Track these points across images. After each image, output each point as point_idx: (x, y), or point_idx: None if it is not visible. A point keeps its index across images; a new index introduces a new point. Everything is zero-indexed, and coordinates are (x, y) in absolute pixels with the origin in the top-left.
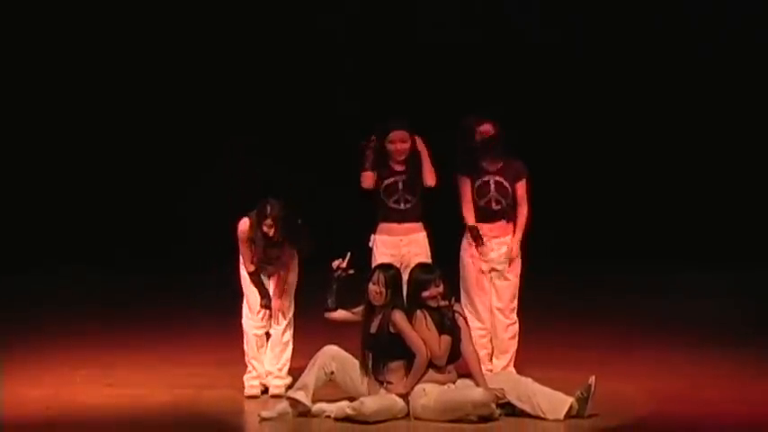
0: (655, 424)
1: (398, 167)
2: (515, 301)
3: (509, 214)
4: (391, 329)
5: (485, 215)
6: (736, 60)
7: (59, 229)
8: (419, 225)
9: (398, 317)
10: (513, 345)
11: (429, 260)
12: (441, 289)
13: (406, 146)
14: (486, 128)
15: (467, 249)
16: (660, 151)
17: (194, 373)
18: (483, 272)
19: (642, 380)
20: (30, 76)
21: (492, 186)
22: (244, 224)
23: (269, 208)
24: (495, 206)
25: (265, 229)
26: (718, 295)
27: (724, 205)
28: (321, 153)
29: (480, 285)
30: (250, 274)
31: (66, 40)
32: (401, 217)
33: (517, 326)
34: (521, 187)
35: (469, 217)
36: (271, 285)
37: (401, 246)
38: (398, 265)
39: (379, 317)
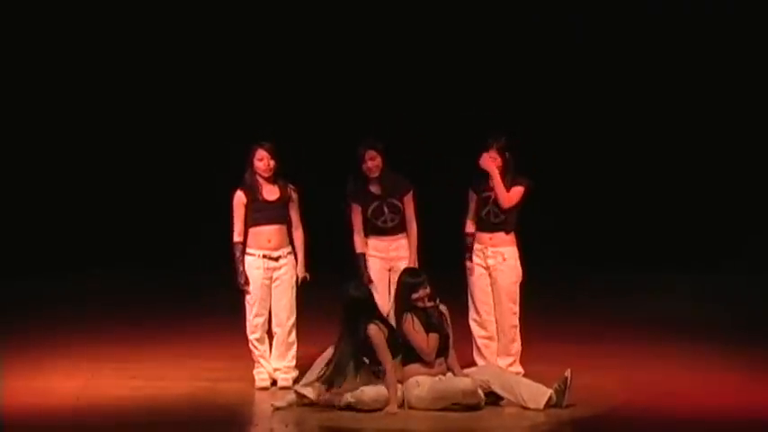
0: (628, 413)
1: (375, 189)
2: (515, 306)
3: (508, 226)
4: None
5: (484, 226)
6: (731, 65)
7: (83, 235)
8: (404, 234)
9: (373, 332)
10: (515, 347)
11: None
12: (428, 290)
13: (376, 162)
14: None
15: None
16: (641, 157)
17: (210, 368)
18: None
19: (617, 372)
20: (38, 80)
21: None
22: (238, 192)
23: (260, 142)
24: (494, 219)
25: (256, 162)
26: (687, 295)
27: (690, 213)
28: (319, 152)
29: (483, 291)
30: (235, 244)
31: (79, 48)
32: (389, 232)
33: (517, 330)
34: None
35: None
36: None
37: (389, 250)
38: (387, 269)
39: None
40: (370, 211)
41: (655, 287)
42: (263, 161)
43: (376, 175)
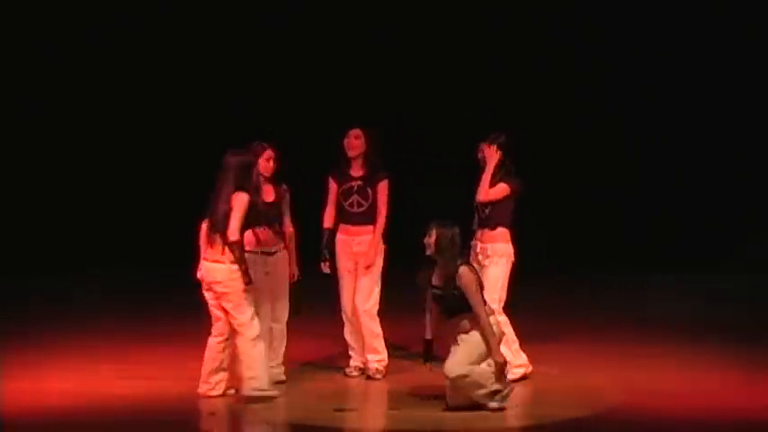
0: (627, 413)
1: (355, 171)
2: (495, 303)
3: (493, 222)
4: None
5: (477, 220)
6: (731, 65)
7: (75, 234)
8: (373, 228)
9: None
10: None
11: (379, 259)
12: (430, 239)
13: (359, 142)
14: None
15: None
16: (640, 158)
17: None
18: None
19: (616, 373)
20: (38, 81)
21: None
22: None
23: (264, 144)
24: (481, 214)
25: (263, 163)
26: (683, 296)
27: (690, 213)
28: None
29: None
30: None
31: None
32: (356, 219)
33: (500, 318)
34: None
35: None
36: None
37: (353, 244)
38: (353, 265)
39: None
40: (341, 191)
41: (655, 287)
42: (270, 161)
43: (354, 154)
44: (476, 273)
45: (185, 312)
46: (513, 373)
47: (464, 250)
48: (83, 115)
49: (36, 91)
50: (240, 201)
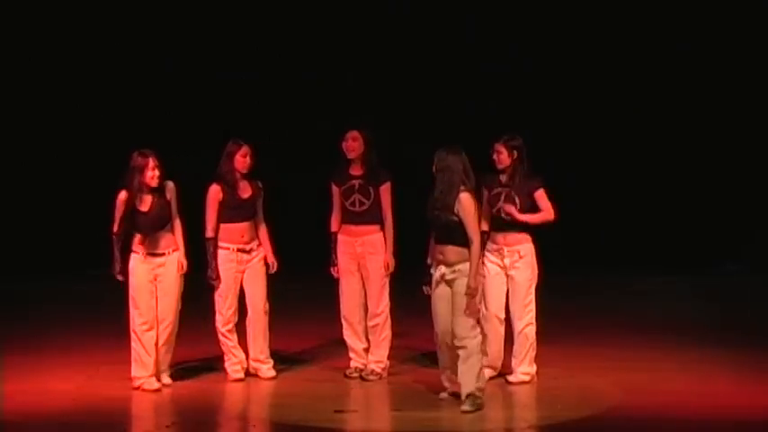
0: (623, 414)
1: (355, 171)
2: (531, 305)
3: (520, 225)
4: None
5: (496, 225)
6: (730, 67)
7: (76, 234)
8: (376, 227)
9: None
10: (527, 344)
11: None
12: (433, 167)
13: (356, 143)
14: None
15: (485, 255)
16: (641, 159)
17: (209, 368)
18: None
19: (616, 374)
20: (38, 83)
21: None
22: (214, 187)
23: (240, 141)
24: (504, 216)
25: (240, 159)
26: (679, 297)
27: (690, 214)
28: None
29: (499, 289)
30: (210, 239)
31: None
32: (358, 219)
33: (532, 328)
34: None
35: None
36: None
37: (356, 245)
38: (355, 265)
39: None
40: (342, 191)
41: (655, 287)
42: (246, 158)
43: (353, 156)
44: (476, 199)
45: (184, 313)
46: (518, 376)
47: (469, 176)
48: (82, 115)
49: (37, 91)
50: (118, 199)
